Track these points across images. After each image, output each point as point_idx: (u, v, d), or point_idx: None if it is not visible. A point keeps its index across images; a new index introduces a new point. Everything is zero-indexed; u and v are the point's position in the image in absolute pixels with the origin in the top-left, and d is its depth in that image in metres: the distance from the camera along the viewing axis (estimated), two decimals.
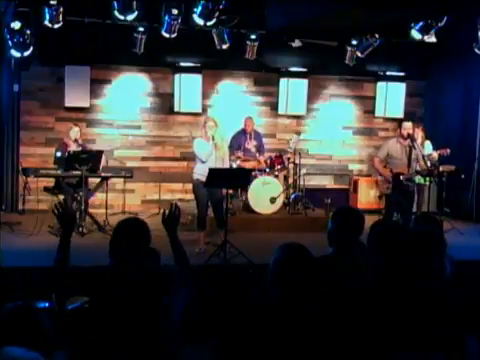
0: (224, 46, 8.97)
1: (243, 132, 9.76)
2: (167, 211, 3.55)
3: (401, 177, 8.10)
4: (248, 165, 9.28)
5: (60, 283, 3.47)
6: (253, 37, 9.29)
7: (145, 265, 3.46)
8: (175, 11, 7.97)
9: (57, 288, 3.68)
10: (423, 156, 8.21)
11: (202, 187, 7.57)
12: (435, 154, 9.00)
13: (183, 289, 3.66)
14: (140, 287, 3.38)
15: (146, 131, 10.72)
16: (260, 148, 9.89)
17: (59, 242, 3.43)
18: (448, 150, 8.92)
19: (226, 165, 7.94)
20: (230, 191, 8.63)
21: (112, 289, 3.36)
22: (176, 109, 10.61)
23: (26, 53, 8.24)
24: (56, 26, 7.87)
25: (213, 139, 7.63)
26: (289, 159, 9.81)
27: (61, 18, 7.83)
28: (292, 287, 2.84)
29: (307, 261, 2.91)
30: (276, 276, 2.89)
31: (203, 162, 7.64)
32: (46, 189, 8.90)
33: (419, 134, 9.09)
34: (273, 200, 9.28)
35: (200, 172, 7.60)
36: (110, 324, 3.34)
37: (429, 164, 8.25)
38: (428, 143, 9.47)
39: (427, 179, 8.61)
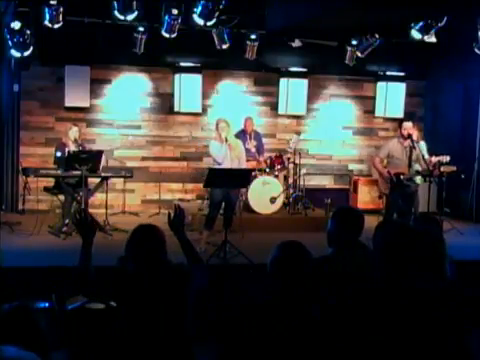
0: (224, 46, 8.97)
1: (243, 132, 9.76)
2: (172, 213, 3.57)
3: (402, 177, 8.09)
4: (248, 165, 9.27)
5: (85, 284, 3.48)
6: (253, 37, 9.29)
7: (166, 266, 3.49)
8: (175, 11, 7.97)
9: (82, 289, 3.71)
10: (423, 156, 8.19)
11: (219, 188, 7.59)
12: (434, 159, 8.74)
13: (197, 287, 3.67)
14: (166, 288, 3.41)
15: (146, 131, 10.72)
16: (260, 148, 9.89)
17: (81, 249, 3.42)
18: (448, 157, 8.63)
19: (243, 164, 7.95)
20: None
21: (139, 291, 3.39)
22: (176, 109, 10.61)
23: (26, 53, 8.25)
24: (56, 26, 7.87)
25: (226, 140, 7.66)
26: (289, 159, 9.81)
27: (61, 18, 7.83)
28: (291, 285, 2.84)
29: (305, 259, 2.91)
30: (274, 275, 2.89)
31: (220, 164, 7.68)
32: (46, 189, 8.89)
33: (414, 133, 9.01)
34: (273, 200, 9.28)
35: None
36: (139, 325, 3.36)
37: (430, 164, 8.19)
38: (422, 143, 9.39)
39: (423, 179, 8.51)
